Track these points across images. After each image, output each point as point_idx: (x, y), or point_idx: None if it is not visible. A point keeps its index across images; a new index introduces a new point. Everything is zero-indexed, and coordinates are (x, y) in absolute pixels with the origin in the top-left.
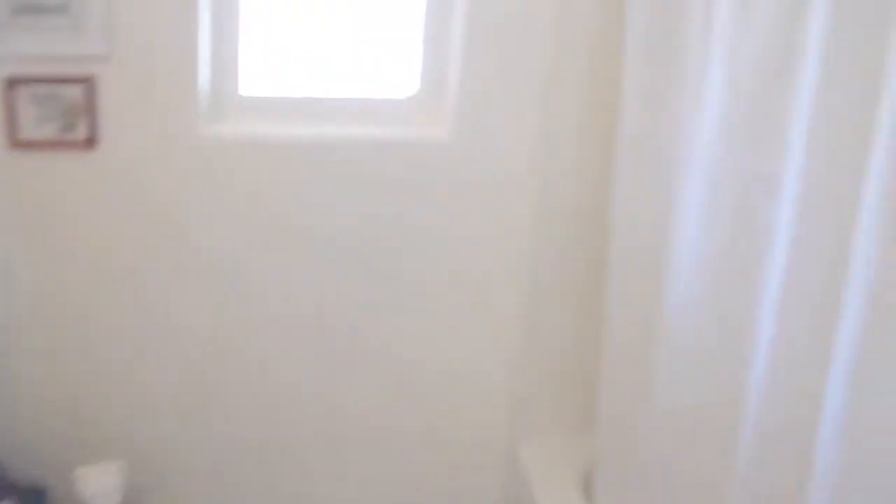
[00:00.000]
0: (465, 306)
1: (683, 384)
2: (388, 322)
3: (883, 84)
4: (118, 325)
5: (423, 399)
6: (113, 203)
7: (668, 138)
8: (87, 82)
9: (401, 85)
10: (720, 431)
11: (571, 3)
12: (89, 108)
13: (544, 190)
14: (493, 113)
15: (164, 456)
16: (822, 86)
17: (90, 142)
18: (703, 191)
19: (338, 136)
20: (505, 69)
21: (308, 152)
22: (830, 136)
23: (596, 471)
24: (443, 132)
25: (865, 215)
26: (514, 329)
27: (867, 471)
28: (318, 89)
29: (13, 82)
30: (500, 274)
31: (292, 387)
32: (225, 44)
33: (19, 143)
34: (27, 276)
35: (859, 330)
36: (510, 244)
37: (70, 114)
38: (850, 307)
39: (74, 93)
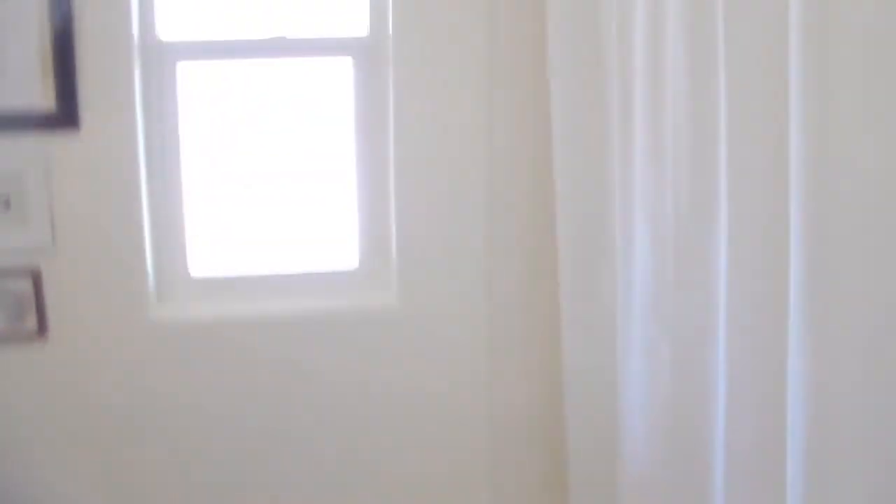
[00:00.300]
0: (425, 466)
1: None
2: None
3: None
4: None
5: None
6: (66, 391)
7: (608, 293)
8: (34, 274)
9: (343, 256)
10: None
11: (504, 166)
12: (37, 298)
13: (492, 345)
14: (435, 277)
15: None
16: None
17: (39, 332)
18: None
19: (288, 311)
20: (442, 233)
21: (259, 329)
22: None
23: None
24: (389, 299)
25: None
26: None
27: None
28: (264, 266)
29: None
30: (457, 432)
31: None
32: (170, 226)
33: None
34: None
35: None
36: (464, 400)
37: (18, 305)
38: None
39: (21, 285)
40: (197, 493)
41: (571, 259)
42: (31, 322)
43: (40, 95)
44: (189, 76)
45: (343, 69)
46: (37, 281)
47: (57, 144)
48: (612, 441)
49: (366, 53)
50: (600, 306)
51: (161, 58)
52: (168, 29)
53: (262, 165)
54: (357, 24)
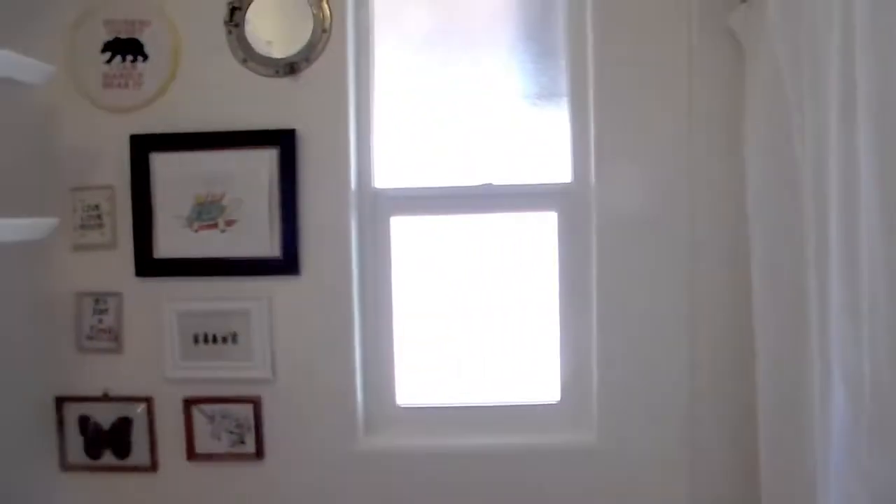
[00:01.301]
0: None
1: None
2: None
3: None
4: None
5: None
6: None
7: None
8: (255, 402)
9: (543, 390)
10: None
11: (704, 315)
12: (256, 424)
13: (693, 492)
14: (635, 417)
15: None
16: None
17: (258, 454)
18: None
19: (489, 445)
20: (644, 373)
21: (460, 460)
22: None
23: None
24: (589, 437)
25: None
26: None
27: None
28: (467, 397)
29: (190, 402)
30: None
31: None
32: (380, 363)
33: (196, 456)
34: None
35: None
36: None
37: (240, 429)
38: None
39: (244, 411)
40: None
41: (771, 409)
42: (251, 445)
43: (268, 245)
44: (401, 225)
45: (547, 219)
46: (257, 408)
47: (280, 288)
48: None
49: (569, 200)
50: (800, 460)
51: (375, 210)
52: (382, 178)
53: (467, 304)
54: (561, 173)
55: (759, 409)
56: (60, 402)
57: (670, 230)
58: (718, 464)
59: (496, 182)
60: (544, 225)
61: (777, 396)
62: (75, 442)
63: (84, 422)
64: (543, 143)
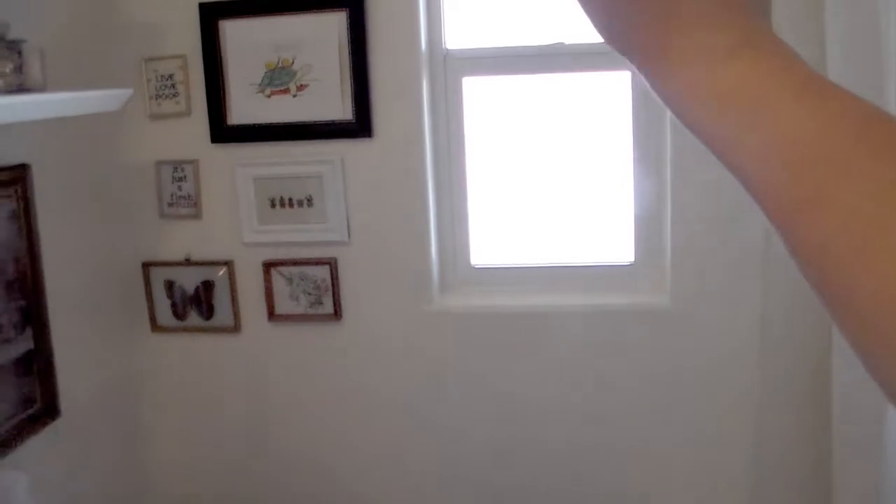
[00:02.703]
0: (685, 475)
1: None
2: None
3: None
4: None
5: None
6: (357, 367)
7: None
8: (331, 264)
9: (616, 252)
10: None
11: None
12: (333, 285)
13: (765, 352)
14: (709, 280)
15: None
16: None
17: (335, 314)
18: None
19: (562, 305)
20: (720, 235)
21: (531, 319)
22: None
23: None
24: (662, 299)
25: None
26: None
27: None
28: (541, 258)
29: (269, 265)
30: (723, 443)
31: None
32: (454, 222)
33: (276, 317)
34: (284, 420)
35: None
36: (734, 412)
37: (318, 291)
38: None
39: (321, 273)
40: (457, 469)
41: None
42: (329, 305)
43: (339, 108)
44: (473, 86)
45: (621, 79)
46: (333, 270)
47: (353, 150)
48: (879, 449)
49: None
50: None
51: (446, 71)
52: (453, 39)
53: (541, 164)
54: None
55: None
56: (147, 267)
57: None
58: (790, 327)
59: (568, 41)
60: (618, 85)
61: None
62: (163, 305)
63: (170, 285)
64: None
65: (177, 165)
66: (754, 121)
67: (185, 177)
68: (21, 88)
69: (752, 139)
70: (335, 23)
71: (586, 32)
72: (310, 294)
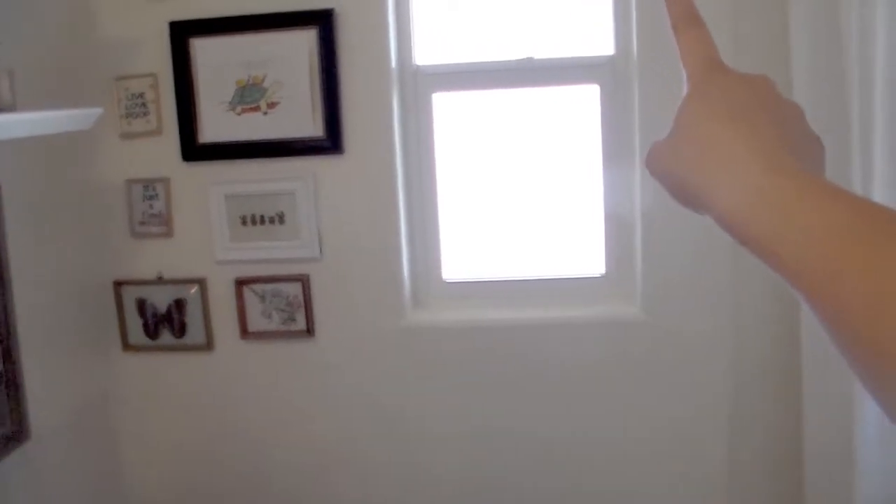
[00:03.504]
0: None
1: None
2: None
3: None
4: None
5: None
6: (329, 383)
7: None
8: (303, 280)
9: (587, 264)
10: None
11: None
12: (306, 302)
13: (737, 360)
14: (679, 290)
15: None
16: None
17: (308, 331)
18: None
19: (535, 318)
20: (691, 246)
21: (504, 333)
22: None
23: None
24: (633, 310)
25: None
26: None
27: None
28: (512, 272)
29: (242, 282)
30: (697, 450)
31: None
32: (425, 237)
33: (249, 334)
34: (258, 438)
35: None
36: (707, 419)
37: (290, 307)
38: None
39: (293, 290)
40: (432, 482)
41: None
42: (301, 322)
43: (310, 125)
44: (443, 102)
45: (589, 92)
46: (306, 286)
47: (324, 167)
48: (849, 449)
49: (612, 72)
50: None
51: (416, 86)
52: (423, 55)
53: (511, 178)
54: (603, 45)
55: None
56: (118, 285)
57: None
58: (762, 337)
59: (537, 56)
60: (586, 98)
61: None
62: (135, 323)
63: (141, 304)
64: (585, 15)
65: (148, 184)
66: (793, 217)
67: (156, 195)
68: None
69: (792, 232)
70: (305, 40)
71: (554, 46)
72: (282, 311)
